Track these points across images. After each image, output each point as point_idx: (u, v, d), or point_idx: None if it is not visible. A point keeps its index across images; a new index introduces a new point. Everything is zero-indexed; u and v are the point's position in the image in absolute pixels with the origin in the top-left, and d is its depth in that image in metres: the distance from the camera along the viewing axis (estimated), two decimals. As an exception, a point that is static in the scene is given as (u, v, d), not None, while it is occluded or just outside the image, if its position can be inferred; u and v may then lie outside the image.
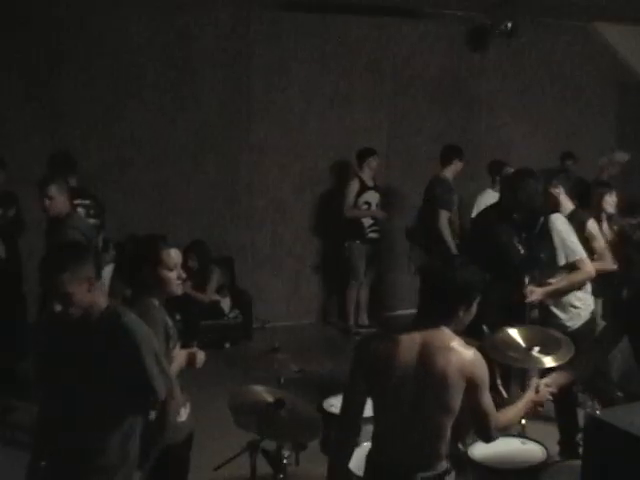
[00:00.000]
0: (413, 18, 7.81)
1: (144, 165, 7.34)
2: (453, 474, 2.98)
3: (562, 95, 8.74)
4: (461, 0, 7.23)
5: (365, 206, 7.62)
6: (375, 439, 3.04)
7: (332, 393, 4.28)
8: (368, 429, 3.99)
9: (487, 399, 2.87)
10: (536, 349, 4.16)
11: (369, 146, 7.66)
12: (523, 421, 4.22)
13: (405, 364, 2.81)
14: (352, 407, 2.99)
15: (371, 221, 7.68)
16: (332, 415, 4.03)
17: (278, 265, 8.04)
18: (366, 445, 3.85)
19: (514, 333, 4.34)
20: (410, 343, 2.83)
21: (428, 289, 2.92)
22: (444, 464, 2.92)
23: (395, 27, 7.99)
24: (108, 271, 6.09)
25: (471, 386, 2.80)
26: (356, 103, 8.05)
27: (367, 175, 7.62)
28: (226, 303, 7.42)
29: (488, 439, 3.03)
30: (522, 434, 4.11)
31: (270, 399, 3.58)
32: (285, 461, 3.79)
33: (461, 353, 2.80)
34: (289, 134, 7.85)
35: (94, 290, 2.86)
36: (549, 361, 4.13)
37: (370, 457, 3.05)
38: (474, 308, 2.92)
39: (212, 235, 7.55)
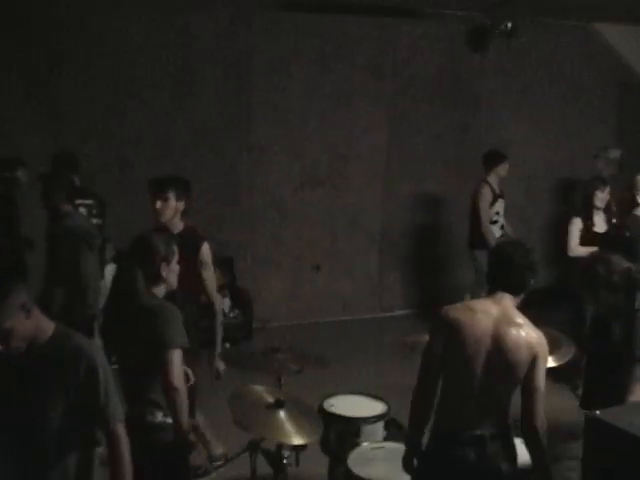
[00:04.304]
0: (413, 18, 7.81)
1: (144, 165, 7.33)
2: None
3: (562, 95, 8.73)
4: (461, 0, 7.23)
5: (496, 216, 7.21)
6: (444, 407, 3.20)
7: (332, 393, 4.28)
8: (368, 429, 4.01)
9: (543, 379, 3.06)
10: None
11: (500, 151, 7.34)
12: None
13: (481, 335, 3.07)
14: (430, 374, 3.21)
15: (500, 232, 7.26)
16: (332, 415, 4.03)
17: (278, 265, 8.04)
18: (366, 445, 3.88)
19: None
20: (486, 315, 3.11)
21: (507, 267, 3.20)
22: (507, 424, 3.15)
23: (395, 27, 7.99)
24: (109, 270, 6.11)
25: (534, 363, 3.03)
26: (356, 103, 8.05)
27: (495, 181, 7.20)
28: (226, 303, 7.42)
29: (534, 423, 3.04)
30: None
31: (270, 399, 3.58)
32: (285, 461, 3.80)
33: (530, 331, 3.09)
34: (289, 134, 7.85)
35: (33, 317, 2.58)
36: (549, 361, 4.13)
37: (437, 426, 3.20)
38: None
39: (212, 235, 7.54)
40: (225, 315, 7.39)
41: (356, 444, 3.87)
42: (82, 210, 5.77)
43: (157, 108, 7.31)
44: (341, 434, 3.98)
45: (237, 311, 7.47)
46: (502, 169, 7.21)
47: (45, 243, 5.17)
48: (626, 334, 3.83)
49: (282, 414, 3.50)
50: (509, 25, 6.79)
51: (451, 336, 3.14)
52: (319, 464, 4.22)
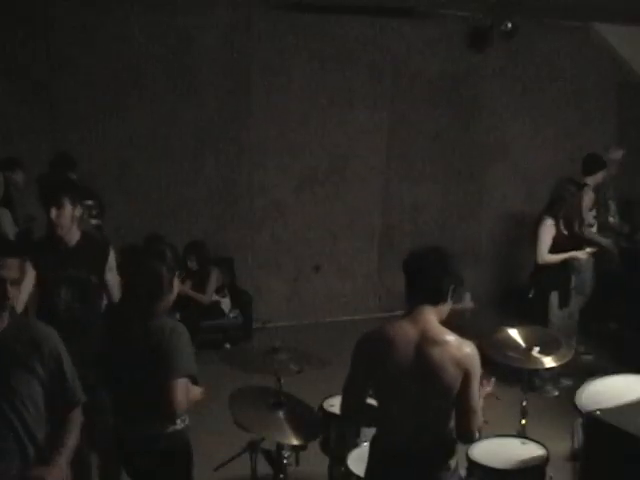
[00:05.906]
0: (413, 18, 7.80)
1: (144, 165, 7.34)
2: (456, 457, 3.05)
3: (562, 95, 8.73)
4: (461, 0, 7.22)
5: (593, 220, 7.02)
6: (380, 429, 3.10)
7: (332, 393, 4.28)
8: (368, 429, 4.01)
9: (476, 395, 2.92)
10: (536, 349, 4.17)
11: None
12: (523, 421, 4.24)
13: (404, 357, 2.89)
14: (353, 402, 3.07)
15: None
16: (332, 415, 4.03)
17: (278, 265, 8.04)
18: (366, 445, 3.87)
19: (514, 333, 4.35)
20: (405, 341, 2.90)
21: (420, 276, 2.98)
22: (450, 445, 2.99)
23: (395, 27, 7.99)
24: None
25: (465, 379, 2.87)
26: (356, 103, 8.04)
27: (593, 186, 6.83)
28: (226, 303, 7.42)
29: (470, 439, 3.01)
30: (522, 434, 4.12)
31: (270, 399, 3.58)
32: (285, 461, 3.80)
33: (458, 347, 2.89)
34: (289, 134, 7.84)
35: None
36: (549, 361, 4.14)
37: (375, 446, 3.10)
38: (452, 299, 3.02)
39: (212, 235, 7.56)
40: (225, 315, 7.41)
41: (356, 444, 3.87)
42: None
43: (157, 108, 7.30)
44: (341, 434, 3.98)
45: (237, 311, 7.46)
46: (601, 175, 6.94)
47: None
48: None
49: (282, 414, 3.50)
50: (509, 25, 6.77)
51: (373, 366, 2.96)
52: (319, 464, 4.22)
